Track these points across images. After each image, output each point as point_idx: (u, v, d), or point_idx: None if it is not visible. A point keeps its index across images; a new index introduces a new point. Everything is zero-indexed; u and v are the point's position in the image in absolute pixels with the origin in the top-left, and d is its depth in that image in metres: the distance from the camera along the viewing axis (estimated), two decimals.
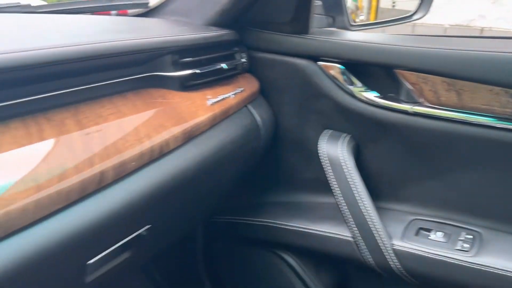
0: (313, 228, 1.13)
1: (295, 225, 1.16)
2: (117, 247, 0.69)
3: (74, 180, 0.57)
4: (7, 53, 0.56)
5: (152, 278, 1.46)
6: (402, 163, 1.07)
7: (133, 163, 0.67)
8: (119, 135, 0.67)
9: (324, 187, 1.15)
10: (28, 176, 0.53)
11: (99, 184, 0.61)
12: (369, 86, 1.05)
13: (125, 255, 0.74)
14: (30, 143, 0.56)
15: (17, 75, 0.58)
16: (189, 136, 0.81)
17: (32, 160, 0.55)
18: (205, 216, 1.27)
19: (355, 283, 1.27)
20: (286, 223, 1.18)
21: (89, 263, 0.63)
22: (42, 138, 0.58)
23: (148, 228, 0.75)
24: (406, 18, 1.39)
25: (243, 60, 1.09)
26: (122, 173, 0.65)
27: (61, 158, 0.57)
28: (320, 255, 1.19)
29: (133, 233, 0.72)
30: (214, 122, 0.90)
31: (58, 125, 0.61)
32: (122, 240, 0.70)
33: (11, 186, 0.51)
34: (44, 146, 0.57)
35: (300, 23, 1.05)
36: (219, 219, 1.32)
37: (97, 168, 0.60)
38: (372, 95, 1.03)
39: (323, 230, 1.11)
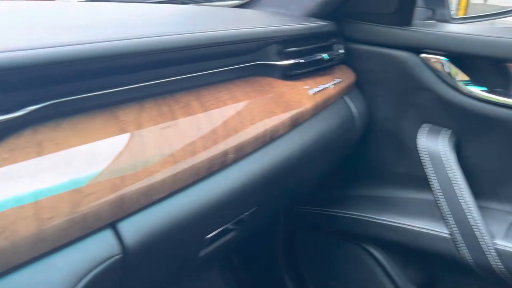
0: (405, 223, 1.11)
1: (384, 219, 1.15)
2: (229, 225, 0.73)
3: (203, 157, 0.60)
4: (142, 37, 0.60)
5: (230, 262, 1.49)
6: (507, 160, 1.03)
7: (250, 146, 0.70)
8: (237, 119, 0.70)
9: (416, 182, 1.13)
10: (166, 151, 0.57)
11: (223, 164, 0.64)
12: (474, 80, 1.01)
13: (232, 234, 0.77)
14: (164, 121, 0.60)
15: (149, 58, 0.62)
16: (295, 124, 0.83)
17: (167, 137, 0.59)
18: (292, 204, 1.29)
19: (445, 281, 1.23)
20: (374, 217, 1.17)
21: (206, 238, 0.67)
22: (173, 118, 0.62)
23: (254, 210, 0.78)
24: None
25: (341, 51, 1.10)
26: (240, 154, 0.68)
27: (191, 136, 0.61)
28: (409, 251, 1.17)
29: (243, 214, 0.75)
30: (316, 111, 0.92)
31: (185, 107, 0.65)
32: (234, 219, 0.73)
33: (152, 159, 0.55)
34: (176, 125, 0.61)
35: (403, 14, 1.03)
36: (302, 209, 1.33)
37: (221, 148, 0.64)
38: (477, 89, 1.00)
39: (416, 225, 1.09)
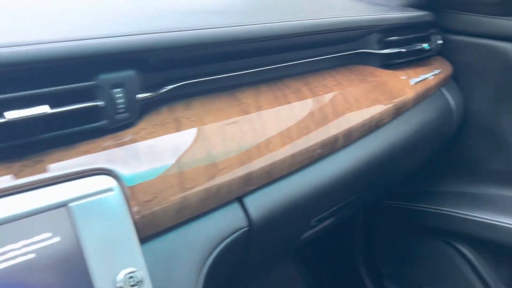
0: (501, 220, 1.06)
1: (477, 215, 1.11)
2: (329, 212, 0.74)
3: (316, 139, 0.62)
4: (262, 23, 0.62)
5: (304, 255, 1.50)
6: None
7: (357, 132, 0.71)
8: (345, 105, 0.71)
9: None
10: (284, 132, 0.59)
11: (333, 148, 0.66)
12: None
13: (328, 222, 0.79)
14: (279, 105, 0.63)
15: (263, 44, 0.64)
16: (398, 112, 0.83)
17: (284, 120, 0.61)
18: (383, 197, 1.27)
19: None
20: (465, 213, 1.13)
21: (311, 222, 0.69)
22: (287, 102, 0.64)
23: (355, 198, 0.79)
24: None
25: (439, 42, 1.07)
26: (348, 140, 0.69)
27: (305, 120, 0.63)
28: (503, 250, 1.12)
29: (346, 200, 0.76)
30: (417, 101, 0.90)
31: (296, 92, 0.67)
32: (338, 205, 0.74)
33: (273, 139, 0.57)
34: (290, 108, 0.63)
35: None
36: (385, 203, 1.31)
37: (332, 132, 0.65)
38: None
39: None
